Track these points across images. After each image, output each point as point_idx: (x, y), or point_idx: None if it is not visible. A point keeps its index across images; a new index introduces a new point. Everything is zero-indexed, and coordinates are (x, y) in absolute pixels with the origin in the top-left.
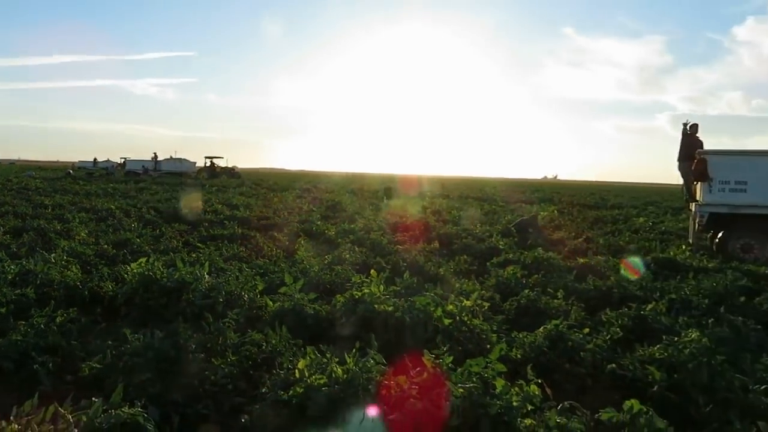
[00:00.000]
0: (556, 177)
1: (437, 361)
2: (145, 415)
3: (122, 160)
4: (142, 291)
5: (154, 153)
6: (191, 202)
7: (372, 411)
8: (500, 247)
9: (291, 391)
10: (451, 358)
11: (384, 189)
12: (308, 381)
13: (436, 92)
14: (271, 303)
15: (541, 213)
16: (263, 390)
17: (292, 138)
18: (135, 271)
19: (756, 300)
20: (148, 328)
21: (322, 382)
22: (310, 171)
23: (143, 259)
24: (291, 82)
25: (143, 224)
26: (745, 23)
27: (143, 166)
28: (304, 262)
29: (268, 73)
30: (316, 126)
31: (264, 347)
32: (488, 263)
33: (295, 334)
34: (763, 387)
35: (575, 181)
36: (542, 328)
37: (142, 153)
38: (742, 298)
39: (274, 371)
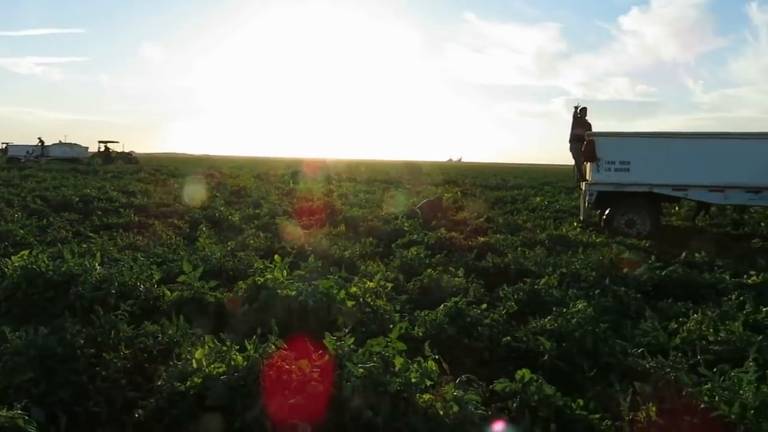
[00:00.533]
0: (460, 160)
1: (339, 343)
2: (26, 417)
3: (3, 146)
4: (25, 286)
5: (40, 138)
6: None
7: None
8: (405, 228)
9: (188, 382)
10: (353, 339)
11: (291, 173)
12: (206, 370)
13: (340, 74)
14: (168, 293)
15: (446, 195)
16: (159, 383)
17: (192, 121)
18: (16, 264)
19: (637, 271)
20: (31, 325)
21: (221, 370)
22: (213, 155)
23: (25, 252)
24: (189, 62)
25: (28, 214)
26: (630, 13)
27: (27, 152)
28: (206, 250)
29: (164, 52)
30: (217, 109)
31: (160, 338)
32: (393, 245)
33: (195, 324)
34: (640, 350)
35: (479, 163)
36: (443, 305)
37: (26, 138)
38: (625, 270)
39: (171, 363)
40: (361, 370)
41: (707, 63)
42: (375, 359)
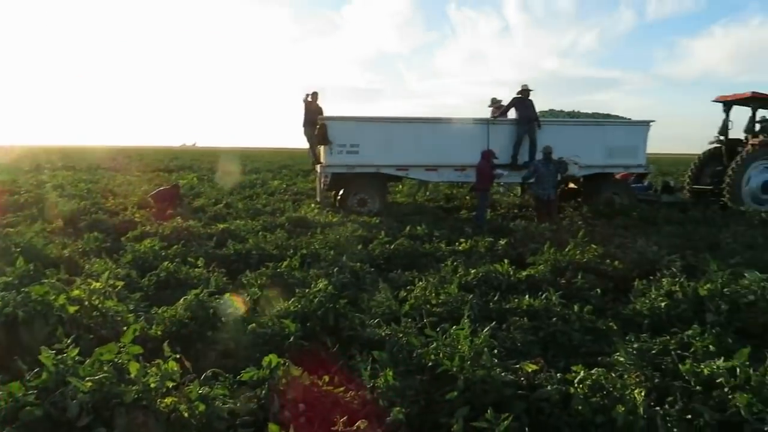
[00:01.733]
0: (194, 144)
1: (60, 357)
2: None
3: None
4: None
5: None
6: None
7: None
8: (136, 220)
9: None
10: (77, 350)
11: None
12: None
13: (43, 53)
14: None
15: (181, 181)
16: None
17: None
18: None
19: (369, 246)
20: None
21: None
22: None
23: None
24: None
25: None
26: (353, 3)
27: None
28: None
29: None
30: None
31: None
32: (123, 238)
33: None
34: (376, 320)
35: (215, 147)
36: (183, 299)
37: None
38: (359, 246)
39: None
40: (89, 383)
41: (420, 55)
42: (106, 369)
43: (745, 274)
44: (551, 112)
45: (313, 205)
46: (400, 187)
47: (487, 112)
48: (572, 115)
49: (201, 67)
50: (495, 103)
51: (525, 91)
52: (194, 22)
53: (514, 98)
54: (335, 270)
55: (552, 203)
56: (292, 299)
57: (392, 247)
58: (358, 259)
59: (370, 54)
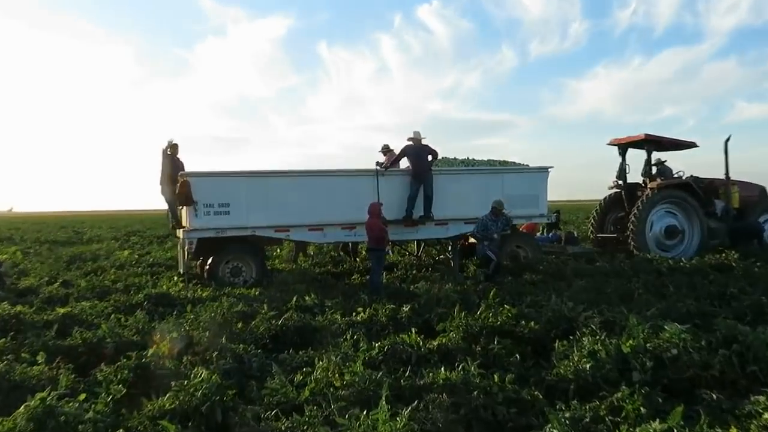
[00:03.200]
0: (11, 210)
1: None
2: None
3: None
4: None
5: None
6: None
7: None
8: None
9: None
10: None
11: None
12: None
13: None
14: None
15: (1, 257)
16: None
17: None
18: None
19: (252, 324)
20: None
21: None
22: None
23: None
24: None
25: None
26: (207, 41)
27: None
28: None
29: None
30: None
31: None
32: None
33: None
34: (273, 412)
35: (38, 213)
36: (24, 406)
37: None
38: (240, 324)
39: None
40: None
41: (288, 99)
42: None
43: (665, 327)
44: (444, 160)
45: (176, 278)
46: (279, 251)
47: (371, 162)
48: (467, 162)
49: (18, 118)
50: (386, 150)
51: (416, 139)
52: (7, 66)
53: (406, 146)
54: (215, 355)
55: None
56: (168, 394)
57: (279, 322)
58: (240, 341)
59: (231, 98)
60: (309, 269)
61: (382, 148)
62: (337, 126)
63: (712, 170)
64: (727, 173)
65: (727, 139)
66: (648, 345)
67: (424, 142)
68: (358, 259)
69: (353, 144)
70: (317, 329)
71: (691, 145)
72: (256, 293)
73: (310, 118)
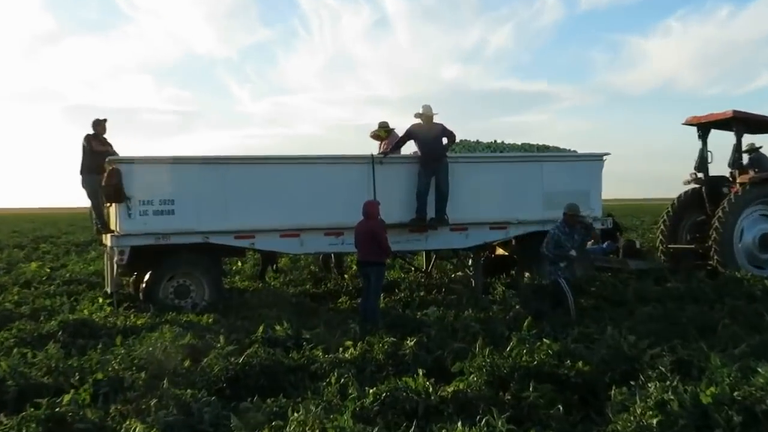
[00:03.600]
0: None
1: None
2: None
3: None
4: None
5: None
6: None
7: None
8: None
9: None
10: None
11: None
12: None
13: None
14: None
15: None
16: None
17: None
18: None
19: (204, 362)
20: None
21: None
22: None
23: None
24: None
25: None
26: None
27: None
28: None
29: None
30: None
31: None
32: None
33: None
34: None
35: None
36: None
37: None
38: (187, 362)
39: None
40: None
41: (254, 60)
42: None
43: (759, 370)
44: (464, 144)
45: (101, 300)
46: (241, 264)
47: (366, 146)
48: (494, 147)
49: None
50: (385, 130)
51: (427, 116)
52: None
53: (413, 126)
54: (153, 403)
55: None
56: None
57: (240, 360)
58: (187, 384)
59: (177, 60)
60: (281, 289)
61: (379, 128)
62: (318, 98)
63: None
64: None
65: None
66: (735, 393)
67: (436, 120)
68: (346, 275)
69: (342, 122)
70: (291, 369)
71: None
72: (210, 321)
73: (284, 87)
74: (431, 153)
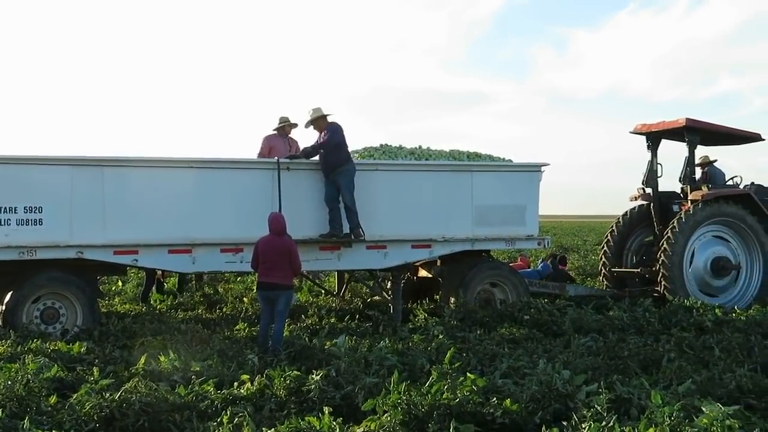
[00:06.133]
0: None
1: None
2: None
3: None
4: None
5: None
6: None
7: None
8: None
9: None
10: None
11: None
12: None
13: None
14: None
15: None
16: None
17: None
18: None
19: (73, 398)
20: None
21: None
22: None
23: None
24: None
25: None
26: None
27: None
28: None
29: None
30: None
31: None
32: None
33: None
34: None
35: None
36: None
37: None
38: (53, 399)
39: None
40: None
41: None
42: None
43: (703, 409)
44: (384, 150)
45: None
46: (121, 284)
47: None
48: (418, 154)
49: None
50: (286, 127)
51: (318, 119)
52: None
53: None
54: None
55: None
56: None
57: (117, 396)
58: (53, 425)
59: None
60: (167, 314)
61: (281, 123)
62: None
63: None
64: None
65: None
66: None
67: (331, 119)
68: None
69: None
70: (177, 408)
71: (753, 137)
72: (82, 350)
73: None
74: (327, 161)
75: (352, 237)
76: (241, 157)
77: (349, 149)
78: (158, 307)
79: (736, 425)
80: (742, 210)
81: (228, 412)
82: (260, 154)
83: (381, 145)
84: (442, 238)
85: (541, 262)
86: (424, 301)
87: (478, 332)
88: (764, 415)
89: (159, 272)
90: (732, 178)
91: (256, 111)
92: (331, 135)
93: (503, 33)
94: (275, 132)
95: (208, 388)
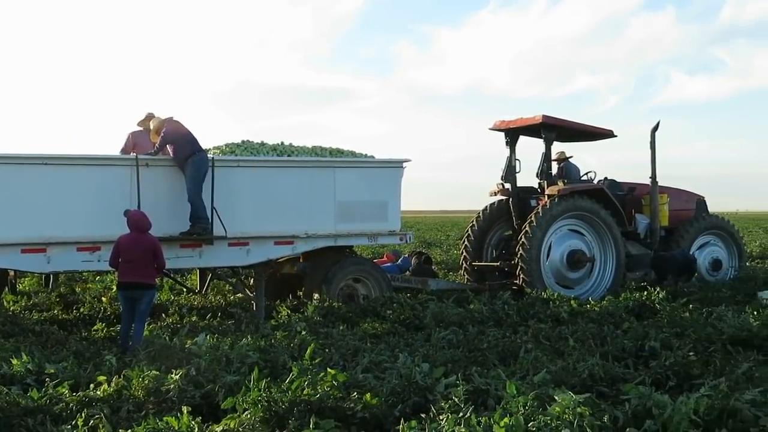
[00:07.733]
0: None
1: None
2: None
3: None
4: None
5: None
6: None
7: None
8: None
9: None
10: None
11: None
12: None
13: None
14: None
15: None
16: None
17: None
18: None
19: None
20: None
21: None
22: None
23: None
24: None
25: None
26: None
27: None
28: None
29: None
30: None
31: None
32: None
33: None
34: None
35: None
36: None
37: None
38: None
39: None
40: None
41: None
42: None
43: (556, 398)
44: (246, 146)
45: None
46: None
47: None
48: (280, 150)
49: None
50: (150, 121)
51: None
52: None
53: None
54: None
55: None
56: None
57: None
58: None
59: None
60: (21, 315)
61: (146, 119)
62: None
63: (636, 172)
64: (653, 177)
65: (655, 128)
66: (530, 424)
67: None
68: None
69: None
70: (30, 411)
71: (607, 134)
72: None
73: None
74: (175, 155)
75: (191, 233)
76: (97, 153)
77: (212, 145)
78: (11, 308)
79: (587, 412)
80: (596, 204)
81: (83, 415)
82: (124, 150)
83: (243, 141)
84: (304, 235)
85: (399, 258)
86: (287, 298)
87: (341, 328)
88: (614, 402)
89: (11, 273)
90: (587, 173)
91: (123, 107)
92: (165, 132)
93: (368, 30)
94: (141, 128)
95: (63, 390)
